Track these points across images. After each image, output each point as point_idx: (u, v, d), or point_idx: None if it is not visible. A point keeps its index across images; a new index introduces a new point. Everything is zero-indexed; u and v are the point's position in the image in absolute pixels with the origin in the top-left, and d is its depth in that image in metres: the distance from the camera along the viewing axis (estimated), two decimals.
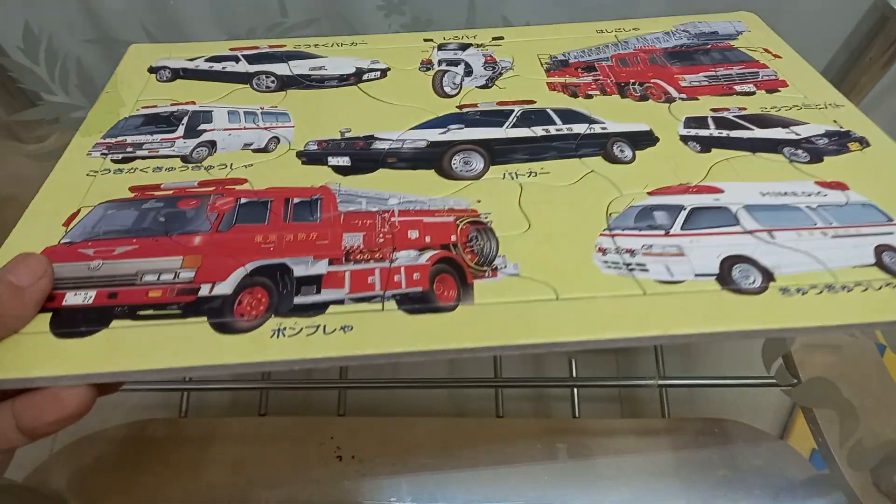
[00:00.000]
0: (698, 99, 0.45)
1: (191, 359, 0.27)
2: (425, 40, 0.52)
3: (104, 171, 0.38)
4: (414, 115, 0.43)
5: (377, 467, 0.41)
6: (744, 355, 0.51)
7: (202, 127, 0.42)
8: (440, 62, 0.49)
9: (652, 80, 0.47)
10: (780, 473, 0.42)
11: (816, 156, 0.39)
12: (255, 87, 0.46)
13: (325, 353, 0.27)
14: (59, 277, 0.30)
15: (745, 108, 0.44)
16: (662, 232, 0.34)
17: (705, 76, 0.47)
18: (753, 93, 0.45)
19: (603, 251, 0.32)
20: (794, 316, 0.29)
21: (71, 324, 0.28)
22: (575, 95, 0.45)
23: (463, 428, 0.45)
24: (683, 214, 0.35)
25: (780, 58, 0.49)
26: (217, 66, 0.49)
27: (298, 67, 0.49)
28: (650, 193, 0.36)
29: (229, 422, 0.45)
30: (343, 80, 0.47)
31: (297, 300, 0.30)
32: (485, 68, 0.49)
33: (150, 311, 0.29)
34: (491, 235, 0.33)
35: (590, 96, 0.45)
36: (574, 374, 0.49)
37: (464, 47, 0.51)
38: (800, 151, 0.40)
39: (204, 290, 0.30)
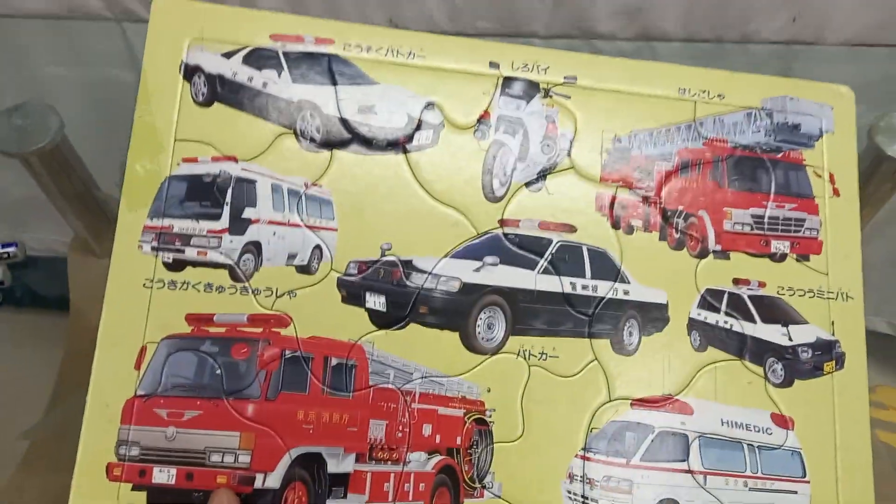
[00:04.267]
0: (729, 258, 0.46)
1: None
2: (491, 64, 0.47)
3: (158, 282, 0.41)
4: (455, 227, 0.44)
5: None
6: None
7: (247, 214, 0.42)
8: (498, 121, 0.46)
9: (698, 214, 0.47)
10: None
11: (789, 377, 0.45)
12: (300, 135, 0.44)
13: None
14: (145, 446, 0.38)
15: (764, 285, 0.46)
16: (624, 461, 0.42)
17: (753, 216, 0.47)
18: (784, 257, 0.47)
19: (571, 477, 0.41)
20: None
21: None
22: (617, 226, 0.46)
23: None
24: (648, 441, 0.42)
25: (838, 196, 0.48)
26: (257, 79, 0.44)
27: (346, 103, 0.45)
28: (633, 404, 0.43)
29: None
30: (392, 138, 0.45)
31: None
32: (542, 149, 0.46)
33: None
34: (489, 442, 0.41)
35: (631, 230, 0.46)
36: None
37: (530, 92, 0.47)
38: (779, 367, 0.45)
39: (258, 481, 0.38)
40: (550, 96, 0.47)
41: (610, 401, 0.43)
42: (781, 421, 0.44)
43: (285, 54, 0.45)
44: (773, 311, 0.46)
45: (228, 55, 0.44)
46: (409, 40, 0.46)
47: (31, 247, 0.73)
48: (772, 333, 0.45)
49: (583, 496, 0.41)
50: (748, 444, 0.43)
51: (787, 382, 0.45)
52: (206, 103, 0.44)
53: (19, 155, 0.55)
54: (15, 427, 0.57)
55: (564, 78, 0.47)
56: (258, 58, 0.45)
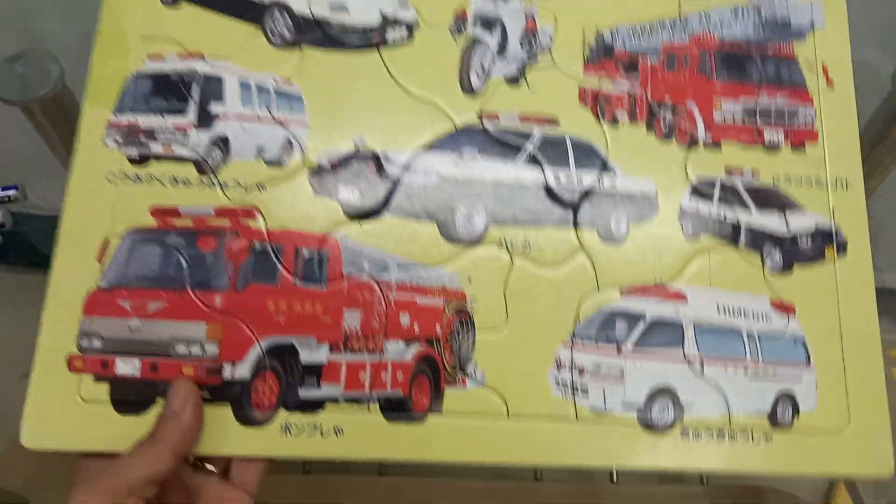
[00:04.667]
0: (720, 148, 0.44)
1: (220, 447, 0.36)
2: None
3: (123, 176, 0.39)
4: (432, 119, 0.43)
5: None
6: None
7: (214, 109, 0.41)
8: (475, 20, 0.45)
9: (686, 106, 0.45)
10: None
11: (789, 264, 0.42)
12: (270, 33, 0.43)
13: (322, 454, 0.36)
14: (108, 338, 0.37)
15: (758, 173, 0.44)
16: (615, 349, 0.40)
17: (744, 107, 0.45)
18: (778, 147, 0.45)
19: (559, 366, 0.39)
20: (681, 460, 0.38)
21: (126, 397, 0.36)
22: (601, 118, 0.44)
23: (502, 491, 0.47)
24: (640, 328, 0.40)
25: (832, 87, 0.46)
26: None
27: (318, 2, 0.44)
28: (622, 292, 0.41)
29: (274, 480, 0.44)
30: (365, 37, 0.44)
31: (302, 393, 0.37)
32: (521, 44, 0.45)
33: None
34: (471, 332, 0.39)
35: (616, 121, 0.44)
36: None
37: None
38: (777, 254, 0.42)
39: (226, 372, 0.37)
40: None
41: (598, 289, 0.40)
42: (781, 307, 0.41)
43: None
44: (769, 199, 0.43)
45: None
46: None
47: (36, 205, 0.72)
48: (768, 221, 0.43)
49: (572, 384, 0.39)
50: (747, 331, 0.41)
51: (786, 268, 0.42)
52: (173, 4, 0.43)
53: (21, 103, 0.54)
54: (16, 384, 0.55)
55: None
56: None
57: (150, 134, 0.40)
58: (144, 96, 0.41)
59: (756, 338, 0.41)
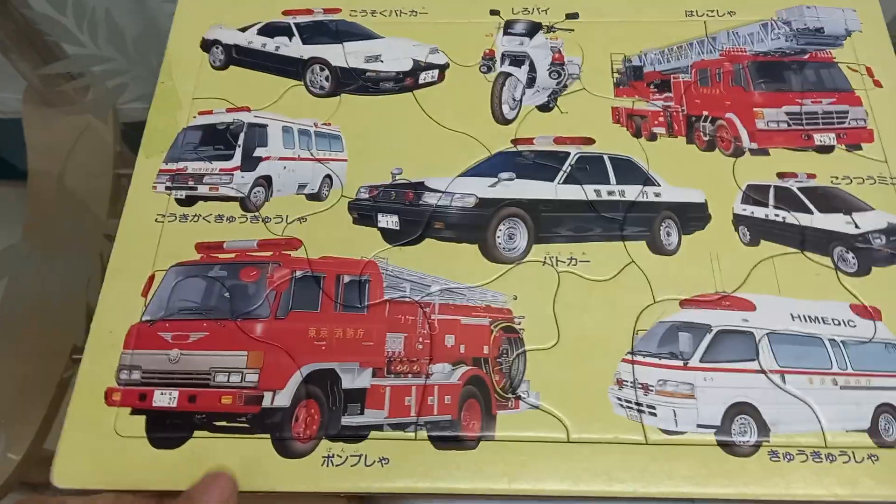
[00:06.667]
0: (769, 154, 0.42)
1: (259, 482, 0.33)
2: (491, 12, 0.48)
3: (170, 216, 0.40)
4: (466, 149, 0.43)
5: None
6: None
7: (258, 153, 0.43)
8: (503, 57, 0.46)
9: (726, 116, 0.44)
10: None
11: (865, 265, 0.39)
12: (310, 85, 0.45)
13: (366, 487, 0.33)
14: (148, 371, 0.36)
15: (814, 176, 0.41)
16: (681, 363, 0.36)
17: (787, 113, 0.44)
18: (832, 149, 0.42)
19: (620, 383, 0.36)
20: (773, 486, 0.33)
21: (163, 430, 0.34)
22: (638, 134, 0.43)
23: None
24: (707, 340, 0.37)
25: (881, 86, 0.44)
26: (270, 45, 0.47)
27: (354, 56, 0.46)
28: (682, 304, 0.38)
29: None
30: (399, 82, 0.45)
31: (345, 420, 0.35)
32: (550, 75, 0.45)
33: (224, 423, 0.34)
34: (521, 351, 0.37)
35: (654, 137, 0.43)
36: None
37: (532, 30, 0.47)
38: (850, 256, 0.39)
39: (266, 400, 0.35)
40: (554, 31, 0.47)
41: (654, 302, 0.38)
42: (864, 312, 0.37)
43: (296, 24, 0.48)
44: (830, 200, 0.41)
45: (244, 29, 0.47)
46: (412, 1, 0.48)
47: None
48: (834, 222, 0.40)
49: (637, 403, 0.35)
50: (829, 339, 0.37)
51: (862, 271, 0.39)
52: (222, 67, 0.46)
53: None
54: None
55: (566, 15, 0.48)
56: (271, 28, 0.48)
57: (198, 178, 0.42)
58: (194, 146, 0.43)
59: (841, 345, 0.37)
